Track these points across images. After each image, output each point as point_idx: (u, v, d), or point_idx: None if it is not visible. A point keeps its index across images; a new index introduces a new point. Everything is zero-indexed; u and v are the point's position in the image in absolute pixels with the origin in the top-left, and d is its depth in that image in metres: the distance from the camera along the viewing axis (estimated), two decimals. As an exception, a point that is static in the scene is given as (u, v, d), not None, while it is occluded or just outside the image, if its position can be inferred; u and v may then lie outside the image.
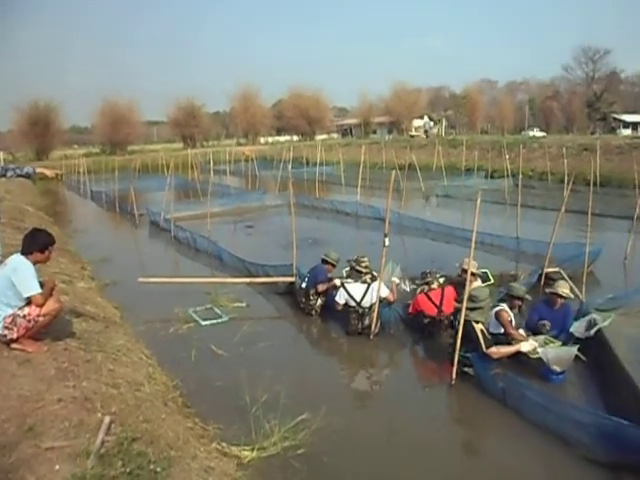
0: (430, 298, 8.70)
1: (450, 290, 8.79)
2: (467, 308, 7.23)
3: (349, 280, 9.08)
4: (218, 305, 10.20)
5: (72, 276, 10.61)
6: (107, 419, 4.74)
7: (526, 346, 7.35)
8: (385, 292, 8.76)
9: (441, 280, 8.98)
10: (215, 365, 7.72)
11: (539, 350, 7.10)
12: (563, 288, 7.88)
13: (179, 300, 10.23)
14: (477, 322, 7.08)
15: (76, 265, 12.40)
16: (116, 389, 5.54)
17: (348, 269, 9.48)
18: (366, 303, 8.66)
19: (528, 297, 8.05)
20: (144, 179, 32.90)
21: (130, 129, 72.18)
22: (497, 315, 7.50)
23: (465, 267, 8.68)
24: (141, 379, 6.18)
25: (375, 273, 8.92)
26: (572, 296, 7.97)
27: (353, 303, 8.75)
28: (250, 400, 6.24)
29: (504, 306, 7.72)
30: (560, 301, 7.85)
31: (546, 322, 7.83)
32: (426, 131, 72.94)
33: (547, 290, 7.91)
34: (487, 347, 6.93)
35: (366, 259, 9.08)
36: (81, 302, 8.66)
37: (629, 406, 6.04)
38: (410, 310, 8.79)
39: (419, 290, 8.98)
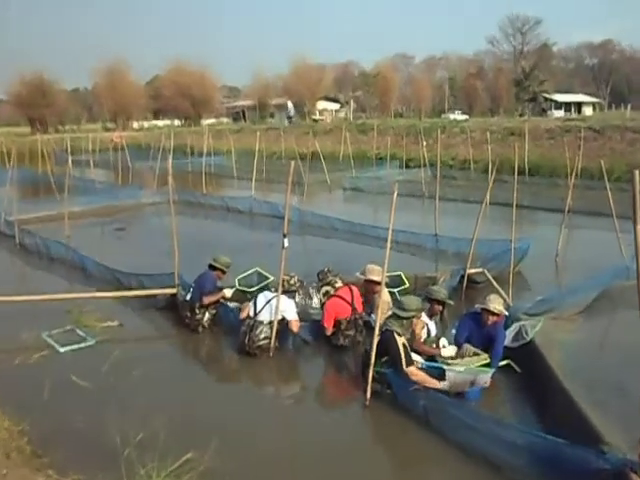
0: (342, 297, 8.85)
1: (355, 288, 9.05)
2: (390, 317, 7.35)
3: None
4: (82, 326, 9.81)
5: None
6: None
7: (447, 351, 7.61)
8: (291, 315, 8.71)
9: (340, 281, 9.16)
10: (77, 401, 7.39)
11: (445, 369, 7.24)
12: (495, 303, 7.86)
13: (28, 323, 9.70)
14: (399, 334, 7.17)
15: None
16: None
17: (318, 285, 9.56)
18: (264, 317, 8.61)
19: (450, 301, 8.28)
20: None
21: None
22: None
23: (371, 277, 8.92)
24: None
25: (337, 282, 9.14)
26: (505, 313, 8.17)
27: (251, 314, 8.75)
28: (121, 441, 5.98)
29: (422, 315, 7.90)
30: (492, 318, 7.87)
31: (470, 348, 7.86)
32: (290, 117, 71.47)
33: (477, 306, 8.07)
34: (407, 365, 7.02)
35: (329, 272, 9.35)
36: None
37: (565, 422, 6.30)
38: (325, 323, 8.83)
39: (323, 295, 9.06)
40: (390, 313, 7.54)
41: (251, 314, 8.74)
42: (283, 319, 8.66)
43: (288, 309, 8.69)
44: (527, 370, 7.80)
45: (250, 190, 22.50)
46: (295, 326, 8.73)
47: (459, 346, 7.98)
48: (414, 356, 7.48)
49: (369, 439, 6.86)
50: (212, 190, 26.32)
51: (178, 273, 10.38)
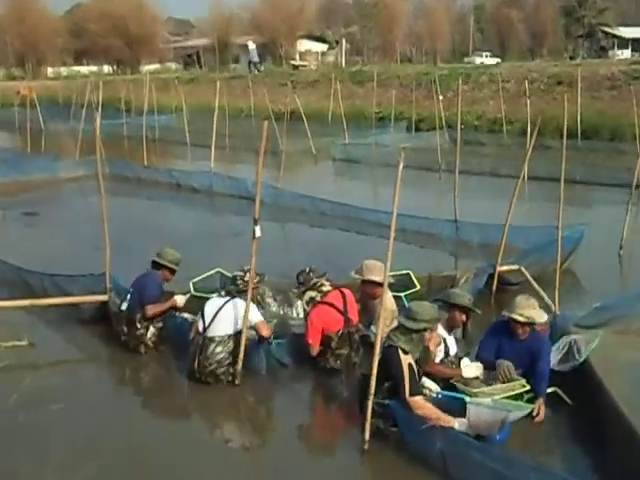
0: (331, 305, 8.84)
1: (348, 292, 9.06)
2: (396, 329, 7.32)
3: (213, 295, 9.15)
4: (-23, 346, 9.78)
5: None
6: None
7: (470, 371, 7.64)
8: (256, 317, 8.70)
9: (327, 284, 9.13)
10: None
11: (469, 403, 7.18)
12: (524, 309, 7.79)
13: None
14: (405, 352, 7.14)
15: None
16: None
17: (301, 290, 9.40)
18: (215, 330, 8.59)
19: (476, 310, 8.26)
20: None
21: None
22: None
23: (371, 277, 8.93)
24: None
25: (325, 285, 9.04)
26: (543, 319, 8.08)
27: (200, 329, 8.74)
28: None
29: (438, 328, 7.88)
30: (524, 329, 7.85)
31: (505, 363, 7.81)
32: (254, 64, 65.12)
33: (504, 313, 8.01)
34: (412, 393, 7.00)
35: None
36: None
37: (633, 472, 6.27)
38: (309, 340, 8.80)
39: (306, 302, 9.04)
40: (395, 324, 7.53)
41: (200, 329, 8.72)
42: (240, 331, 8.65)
43: (252, 315, 8.64)
44: (580, 401, 7.77)
45: (208, 161, 22.36)
46: (264, 329, 8.72)
47: (486, 364, 7.94)
48: (427, 383, 7.47)
49: None
50: (156, 161, 26.29)
51: (110, 274, 10.33)
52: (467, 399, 7.23)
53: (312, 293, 9.09)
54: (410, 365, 7.07)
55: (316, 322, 8.78)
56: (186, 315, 9.76)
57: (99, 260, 10.43)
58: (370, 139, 29.81)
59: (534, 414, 7.36)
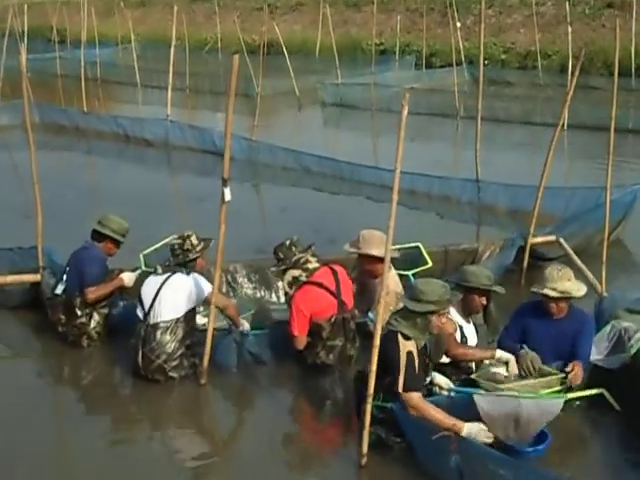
0: (320, 285, 8.82)
1: (339, 268, 9.04)
2: (398, 312, 7.36)
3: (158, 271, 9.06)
4: None
5: None
6: None
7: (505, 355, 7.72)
8: (204, 289, 8.70)
9: (314, 260, 9.09)
10: None
11: (475, 396, 7.17)
12: (558, 282, 7.84)
13: None
14: (407, 338, 7.17)
15: None
16: None
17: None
18: (159, 315, 8.63)
19: (499, 289, 8.25)
20: None
21: None
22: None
23: (369, 251, 8.90)
24: None
25: (311, 262, 8.97)
26: (582, 292, 8.06)
27: (140, 315, 8.79)
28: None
29: (451, 312, 7.94)
30: (560, 307, 7.93)
31: (531, 354, 7.85)
32: None
33: (534, 289, 8.04)
34: (408, 387, 7.02)
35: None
36: None
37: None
38: (294, 330, 8.80)
39: (288, 284, 8.98)
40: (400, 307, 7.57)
41: (140, 316, 8.77)
42: (191, 312, 8.74)
43: (195, 286, 8.67)
44: (632, 405, 7.75)
45: (164, 107, 22.16)
46: (230, 309, 8.86)
47: (511, 352, 7.97)
48: (438, 378, 7.52)
49: None
50: (99, 106, 26.31)
51: (43, 248, 10.38)
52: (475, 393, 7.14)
53: (295, 272, 8.92)
54: (410, 354, 7.03)
55: (302, 307, 8.73)
56: None
57: (29, 231, 10.45)
58: (369, 78, 29.53)
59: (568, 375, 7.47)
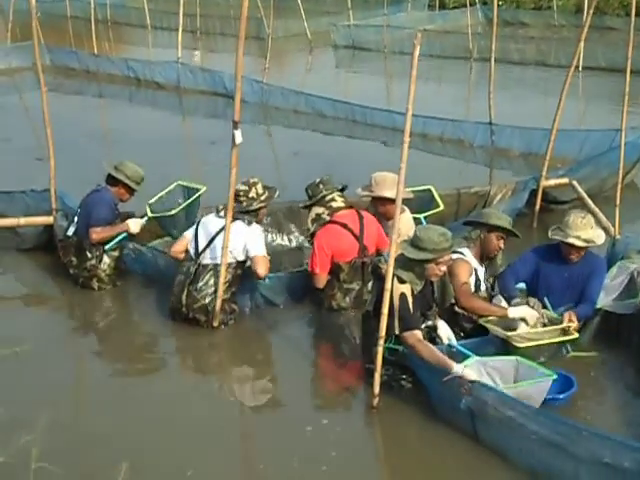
0: (345, 226, 8.83)
1: (367, 214, 9.03)
2: (398, 258, 7.33)
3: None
4: None
5: None
6: None
7: (518, 311, 7.60)
8: (255, 249, 8.66)
9: (340, 199, 9.09)
10: None
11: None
12: (582, 231, 7.78)
13: None
14: (402, 281, 7.16)
15: None
16: None
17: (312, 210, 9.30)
18: (212, 257, 8.66)
19: (515, 232, 8.17)
20: None
21: None
22: (450, 269, 7.70)
23: (382, 193, 8.90)
24: None
25: (336, 201, 9.00)
26: (602, 239, 8.06)
27: (192, 253, 8.80)
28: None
29: (465, 252, 7.98)
30: (579, 253, 7.91)
31: (532, 300, 7.87)
32: None
33: (556, 237, 7.97)
34: (404, 328, 7.04)
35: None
36: None
37: None
38: (314, 267, 8.86)
39: (312, 219, 8.93)
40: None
41: (191, 254, 8.77)
42: (242, 262, 8.72)
43: (250, 241, 8.66)
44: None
45: (175, 49, 22.03)
46: (262, 265, 8.72)
47: (505, 293, 8.02)
48: (442, 330, 7.44)
49: (379, 467, 6.93)
50: (109, 49, 26.17)
51: (56, 190, 10.36)
52: (467, 361, 6.94)
53: (319, 209, 9.02)
54: (402, 295, 7.07)
55: (324, 245, 8.79)
56: (155, 243, 9.97)
57: (42, 174, 10.48)
58: (381, 20, 29.26)
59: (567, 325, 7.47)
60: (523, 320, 7.62)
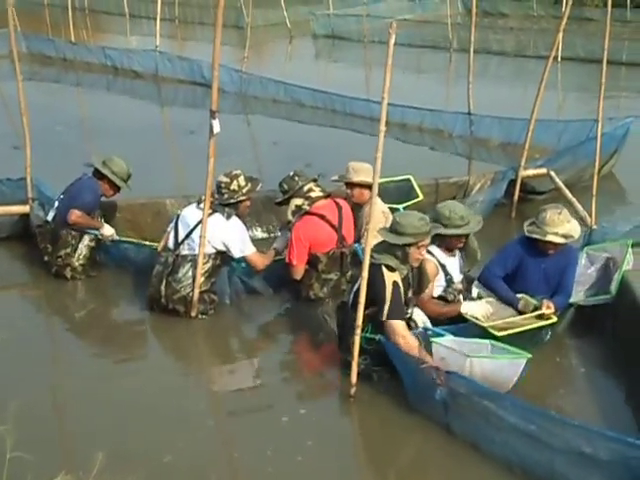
0: (324, 217, 8.88)
1: (344, 203, 9.08)
2: (379, 245, 7.34)
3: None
4: None
5: None
6: None
7: (473, 308, 7.70)
8: (240, 247, 8.72)
9: (318, 189, 9.11)
10: None
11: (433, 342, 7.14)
12: (559, 227, 7.80)
13: None
14: (391, 269, 7.21)
15: None
16: None
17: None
18: (191, 248, 8.65)
19: (472, 228, 7.93)
20: None
21: None
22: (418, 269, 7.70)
23: (358, 179, 9.01)
24: None
25: (315, 191, 9.01)
26: (579, 232, 8.11)
27: (171, 244, 8.80)
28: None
29: (432, 250, 7.96)
30: (557, 247, 7.91)
31: (523, 296, 7.94)
32: None
33: (533, 235, 7.91)
34: (392, 316, 7.06)
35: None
36: None
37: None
38: (292, 259, 8.87)
39: (292, 211, 8.95)
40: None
41: (170, 245, 8.78)
42: (221, 252, 8.72)
43: (232, 240, 8.67)
44: (614, 338, 7.92)
45: (153, 37, 22.09)
46: (257, 262, 8.85)
47: (489, 287, 8.09)
48: (417, 315, 7.53)
49: (356, 457, 6.95)
50: (87, 37, 26.07)
51: (32, 179, 10.36)
52: (435, 339, 7.10)
53: (298, 200, 9.04)
54: (395, 283, 7.11)
55: (302, 236, 8.81)
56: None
57: (18, 162, 10.44)
58: (361, 9, 29.07)
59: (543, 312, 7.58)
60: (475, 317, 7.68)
